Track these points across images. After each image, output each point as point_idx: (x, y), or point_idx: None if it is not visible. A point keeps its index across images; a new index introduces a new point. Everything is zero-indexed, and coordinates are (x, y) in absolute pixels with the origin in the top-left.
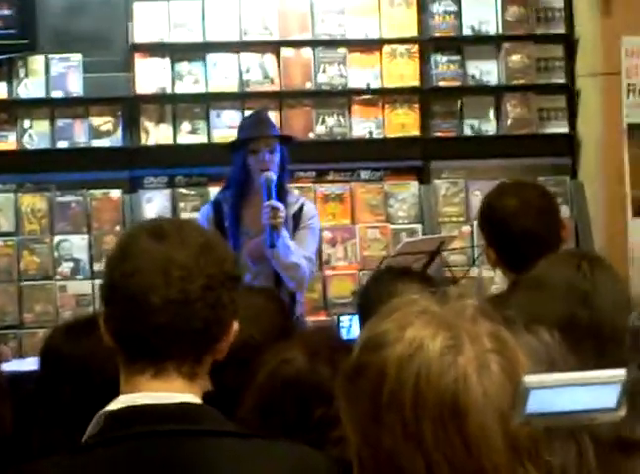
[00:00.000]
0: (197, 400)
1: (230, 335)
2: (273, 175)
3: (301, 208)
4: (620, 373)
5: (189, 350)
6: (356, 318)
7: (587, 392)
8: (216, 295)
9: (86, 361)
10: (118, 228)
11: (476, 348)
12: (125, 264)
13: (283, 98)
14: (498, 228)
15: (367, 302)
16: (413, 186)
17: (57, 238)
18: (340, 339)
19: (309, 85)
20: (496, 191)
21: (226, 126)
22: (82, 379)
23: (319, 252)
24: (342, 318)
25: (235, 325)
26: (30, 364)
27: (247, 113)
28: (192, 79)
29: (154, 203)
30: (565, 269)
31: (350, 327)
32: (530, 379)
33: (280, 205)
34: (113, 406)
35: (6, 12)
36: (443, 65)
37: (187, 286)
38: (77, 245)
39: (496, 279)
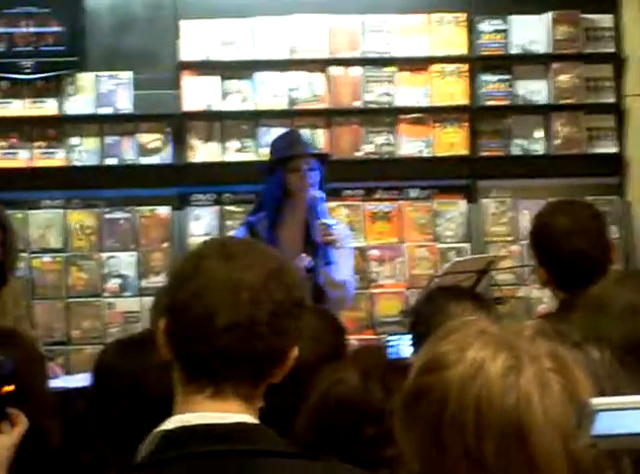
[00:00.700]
0: (253, 420)
1: (290, 360)
2: (320, 193)
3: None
4: None
5: (249, 372)
6: (405, 338)
7: None
8: (282, 322)
9: (138, 379)
10: (165, 245)
11: (536, 368)
12: (192, 283)
13: (332, 116)
14: (549, 248)
15: (420, 322)
16: (461, 205)
17: (105, 255)
18: (391, 358)
19: (357, 103)
20: (547, 210)
21: None
22: (134, 397)
23: (365, 270)
24: (391, 338)
25: (295, 351)
26: (78, 381)
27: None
28: (240, 97)
29: (202, 221)
30: (625, 289)
31: (399, 346)
32: (597, 401)
33: (332, 222)
34: (168, 425)
35: (56, 29)
36: (492, 84)
37: (254, 311)
38: (125, 262)
39: (544, 299)
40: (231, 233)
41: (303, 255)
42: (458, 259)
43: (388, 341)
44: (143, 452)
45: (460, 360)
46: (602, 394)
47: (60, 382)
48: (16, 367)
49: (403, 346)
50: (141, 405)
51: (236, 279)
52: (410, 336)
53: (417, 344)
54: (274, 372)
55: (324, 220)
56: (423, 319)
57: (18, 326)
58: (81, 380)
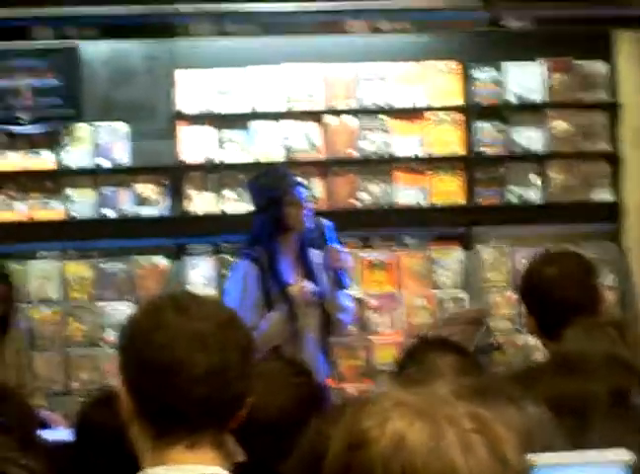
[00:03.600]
0: (224, 472)
1: (249, 404)
2: (325, 221)
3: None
4: (625, 454)
5: (222, 420)
6: None
7: (591, 471)
8: (246, 366)
9: (119, 434)
10: None
11: (456, 430)
12: (156, 336)
13: (328, 166)
14: (538, 297)
15: (403, 376)
16: (458, 252)
17: (103, 305)
18: None
19: (353, 153)
20: (536, 260)
21: None
22: (115, 451)
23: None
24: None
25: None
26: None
27: None
28: (236, 147)
29: (199, 270)
30: (596, 343)
31: None
32: (534, 457)
33: (340, 247)
34: None
35: (53, 81)
36: (488, 132)
37: (224, 357)
38: (123, 312)
39: (541, 347)
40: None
41: (306, 281)
42: (451, 313)
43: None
44: None
45: (382, 435)
46: (535, 450)
47: (61, 434)
48: (5, 422)
49: None
50: (122, 459)
51: (198, 330)
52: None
53: None
54: (237, 417)
55: (334, 245)
56: (405, 370)
57: (20, 376)
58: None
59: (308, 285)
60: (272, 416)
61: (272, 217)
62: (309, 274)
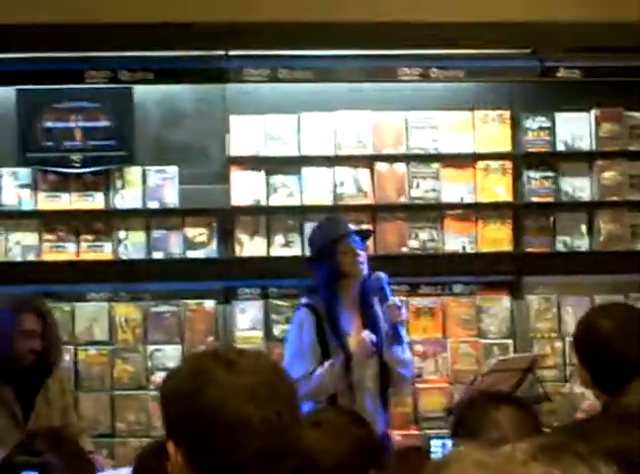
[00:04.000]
0: None
1: (302, 452)
2: (382, 274)
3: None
4: None
5: (278, 469)
6: (447, 441)
7: None
8: (296, 414)
9: None
10: (211, 339)
11: None
12: (207, 394)
13: (377, 211)
14: (592, 350)
15: (462, 427)
16: (505, 300)
17: (151, 348)
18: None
19: (403, 199)
20: (591, 312)
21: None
22: None
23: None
24: (433, 442)
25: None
26: None
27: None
28: (286, 192)
29: (247, 314)
30: None
31: (444, 450)
32: None
33: (399, 302)
34: None
35: (105, 123)
36: (537, 181)
37: (276, 407)
38: (170, 355)
39: (588, 395)
40: (279, 324)
41: (367, 331)
42: (502, 357)
43: (430, 446)
44: None
45: None
46: None
47: None
48: (63, 468)
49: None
50: None
51: (248, 384)
52: (452, 440)
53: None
54: (291, 467)
55: (393, 300)
56: (465, 424)
57: (65, 416)
58: None
59: (368, 336)
60: (328, 464)
61: (327, 266)
62: (371, 323)
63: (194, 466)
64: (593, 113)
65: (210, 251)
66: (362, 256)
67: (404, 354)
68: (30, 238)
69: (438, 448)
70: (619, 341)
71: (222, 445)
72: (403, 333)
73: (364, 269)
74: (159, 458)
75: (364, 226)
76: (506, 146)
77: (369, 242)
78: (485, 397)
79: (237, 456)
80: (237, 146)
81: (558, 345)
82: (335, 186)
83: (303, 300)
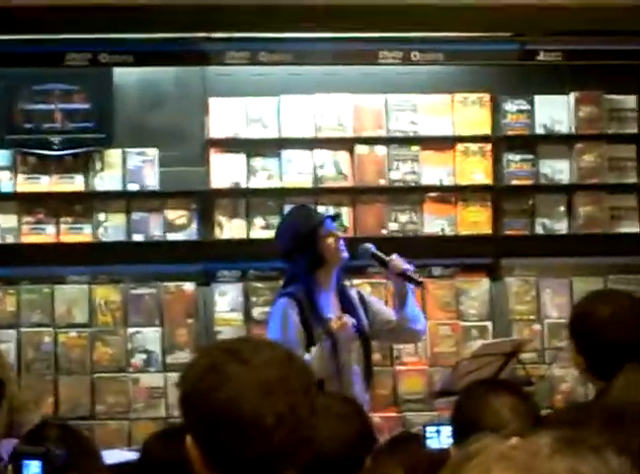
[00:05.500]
0: None
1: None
2: (369, 244)
3: (358, 292)
4: None
5: (297, 461)
6: (443, 428)
7: None
8: (313, 403)
9: (182, 470)
10: (190, 321)
11: None
12: (223, 391)
13: (356, 194)
14: (589, 337)
15: (460, 414)
16: (484, 283)
17: (130, 330)
18: (430, 451)
19: (382, 182)
20: (587, 299)
21: None
22: None
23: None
24: (428, 429)
25: None
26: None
27: (320, 208)
28: (266, 174)
29: (227, 297)
30: (636, 390)
31: (438, 437)
32: None
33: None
34: None
35: (85, 106)
36: (516, 164)
37: (291, 399)
38: (150, 337)
39: (567, 378)
40: (259, 306)
41: (347, 315)
42: (486, 342)
43: (425, 432)
44: None
45: None
46: None
47: None
48: (69, 459)
49: (444, 438)
50: None
51: (263, 378)
52: (449, 427)
53: (457, 436)
54: (309, 457)
55: (394, 256)
56: (463, 412)
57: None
58: (107, 457)
59: (349, 319)
60: (333, 452)
61: (309, 254)
62: (349, 307)
63: (210, 460)
64: (572, 96)
65: (190, 233)
66: (342, 240)
67: (415, 309)
68: (9, 220)
69: (432, 434)
70: (616, 328)
71: (237, 442)
72: (410, 288)
73: (346, 253)
74: (166, 445)
75: (335, 210)
76: (485, 129)
77: (349, 225)
78: (482, 385)
79: (252, 452)
80: (217, 128)
81: (537, 327)
82: (315, 168)
83: (283, 290)
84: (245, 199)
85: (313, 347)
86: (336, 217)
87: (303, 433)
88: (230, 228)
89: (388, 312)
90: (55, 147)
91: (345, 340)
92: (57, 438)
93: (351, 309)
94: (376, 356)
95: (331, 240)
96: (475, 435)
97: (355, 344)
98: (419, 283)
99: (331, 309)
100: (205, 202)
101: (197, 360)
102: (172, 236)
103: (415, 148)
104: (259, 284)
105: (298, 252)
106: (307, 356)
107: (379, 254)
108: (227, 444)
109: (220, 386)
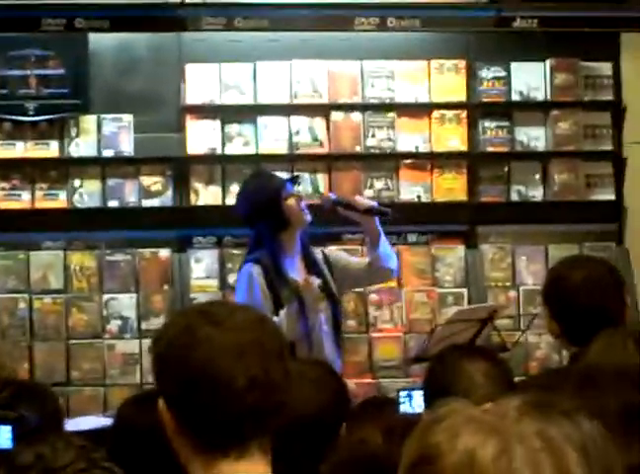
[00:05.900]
0: None
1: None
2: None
3: (322, 252)
4: None
5: (268, 426)
6: (415, 393)
7: None
8: (286, 368)
9: (156, 433)
10: (166, 287)
11: (526, 449)
12: (196, 353)
13: (332, 161)
14: (563, 302)
15: (434, 379)
16: (460, 250)
17: (106, 296)
18: (405, 415)
19: (358, 148)
20: (562, 264)
21: None
22: (152, 451)
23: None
24: (401, 393)
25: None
26: (77, 425)
27: (297, 174)
28: (242, 140)
29: (202, 263)
30: (612, 354)
31: (410, 402)
32: None
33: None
34: None
35: (60, 71)
36: (492, 131)
37: (265, 363)
38: (125, 304)
39: (541, 345)
40: (234, 273)
41: (313, 276)
42: (461, 308)
43: (399, 397)
44: None
45: (452, 450)
46: (592, 468)
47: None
48: (41, 422)
49: (416, 402)
50: (162, 460)
51: (236, 341)
52: (422, 392)
53: (429, 400)
54: (281, 421)
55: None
56: (436, 377)
57: None
58: (81, 424)
59: (315, 280)
60: (309, 416)
61: (272, 217)
62: (314, 268)
63: (185, 426)
64: (548, 63)
65: (166, 199)
66: (305, 202)
67: (386, 247)
68: None
69: (405, 399)
70: (589, 293)
71: (210, 403)
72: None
73: (309, 216)
74: (140, 409)
75: (311, 176)
76: (461, 96)
77: (325, 191)
78: (456, 351)
79: (225, 414)
80: (193, 94)
81: (512, 294)
82: (291, 135)
83: (248, 256)
84: (221, 166)
85: (282, 310)
86: (295, 179)
87: (276, 396)
88: (206, 195)
89: (358, 259)
90: (30, 113)
91: (312, 300)
92: (24, 400)
93: (316, 271)
94: (351, 323)
95: (292, 201)
96: (446, 400)
97: (322, 304)
98: (387, 214)
99: (296, 272)
100: (181, 169)
101: (171, 323)
102: (147, 202)
103: (390, 115)
104: (234, 251)
105: (261, 217)
106: (276, 319)
107: (342, 198)
108: (199, 406)
109: (194, 347)
